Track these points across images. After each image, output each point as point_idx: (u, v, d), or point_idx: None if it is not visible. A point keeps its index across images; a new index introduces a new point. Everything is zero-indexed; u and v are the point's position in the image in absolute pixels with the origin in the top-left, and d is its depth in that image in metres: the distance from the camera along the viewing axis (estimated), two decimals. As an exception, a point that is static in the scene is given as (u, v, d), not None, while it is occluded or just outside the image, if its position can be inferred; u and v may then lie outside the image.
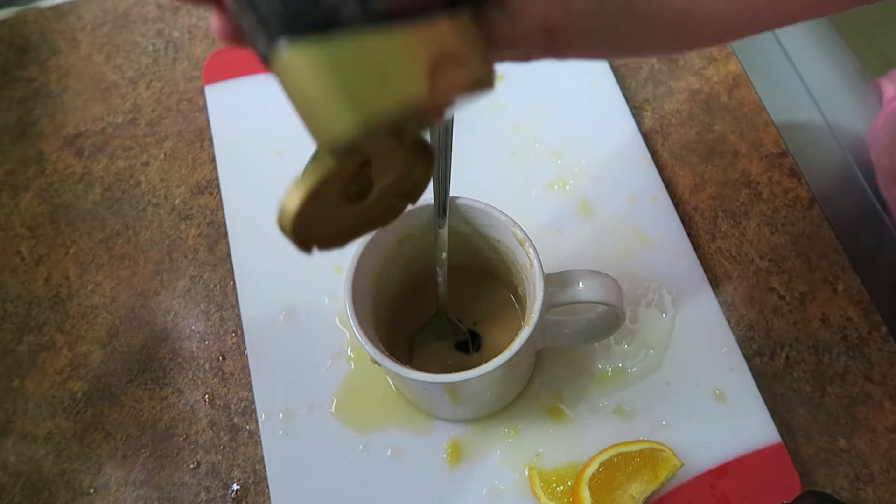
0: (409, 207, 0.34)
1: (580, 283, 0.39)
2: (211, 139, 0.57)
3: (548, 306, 0.39)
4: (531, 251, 0.40)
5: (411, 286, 0.47)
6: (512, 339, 0.38)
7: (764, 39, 0.65)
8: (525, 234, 0.40)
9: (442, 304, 0.44)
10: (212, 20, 0.25)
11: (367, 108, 0.21)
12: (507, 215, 0.40)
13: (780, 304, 0.50)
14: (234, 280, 0.52)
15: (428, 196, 0.40)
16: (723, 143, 0.56)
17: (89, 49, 0.61)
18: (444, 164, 0.37)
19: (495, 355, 0.37)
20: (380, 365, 0.38)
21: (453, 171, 0.39)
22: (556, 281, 0.40)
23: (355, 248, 0.40)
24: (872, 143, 0.58)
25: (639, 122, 0.56)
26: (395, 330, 0.47)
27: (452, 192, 0.40)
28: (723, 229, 0.53)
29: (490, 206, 0.40)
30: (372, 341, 0.38)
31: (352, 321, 0.38)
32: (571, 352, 0.48)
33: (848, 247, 0.52)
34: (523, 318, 0.47)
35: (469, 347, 0.47)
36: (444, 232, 0.40)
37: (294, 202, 0.26)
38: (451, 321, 0.46)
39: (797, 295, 0.50)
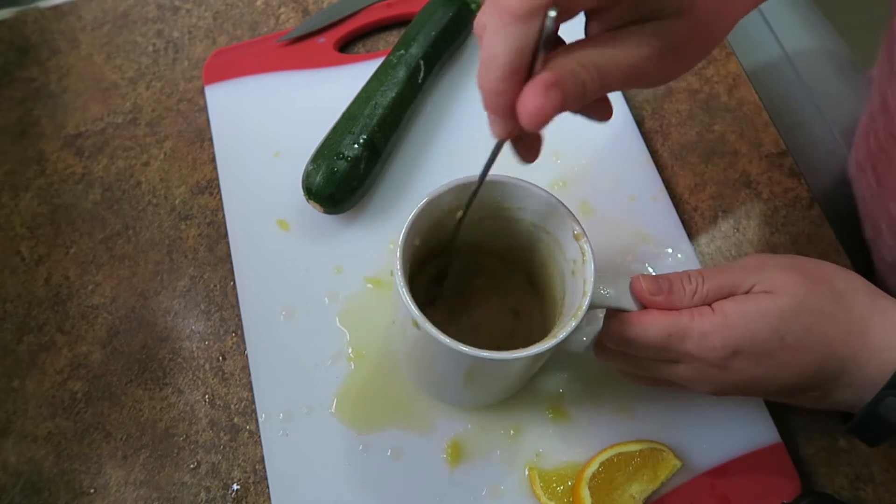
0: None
1: (616, 288, 0.40)
2: (211, 139, 0.57)
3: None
4: (586, 246, 0.40)
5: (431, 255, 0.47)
6: (530, 328, 0.38)
7: (764, 39, 0.65)
8: (583, 229, 0.40)
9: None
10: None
11: None
12: (566, 207, 0.40)
13: (780, 304, 0.50)
14: (234, 280, 0.52)
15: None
16: (723, 143, 0.56)
17: (89, 49, 0.61)
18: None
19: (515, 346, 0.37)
20: (420, 329, 0.38)
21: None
22: (601, 282, 0.40)
23: (414, 209, 0.40)
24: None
25: (639, 122, 0.56)
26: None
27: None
28: (723, 229, 0.53)
29: (552, 196, 0.40)
30: (414, 304, 0.38)
31: (397, 278, 0.38)
32: (573, 352, 0.48)
33: (848, 247, 0.52)
34: (540, 310, 0.47)
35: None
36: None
37: None
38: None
39: (797, 295, 0.50)
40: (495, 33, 0.29)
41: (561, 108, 0.29)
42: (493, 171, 0.38)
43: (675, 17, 0.31)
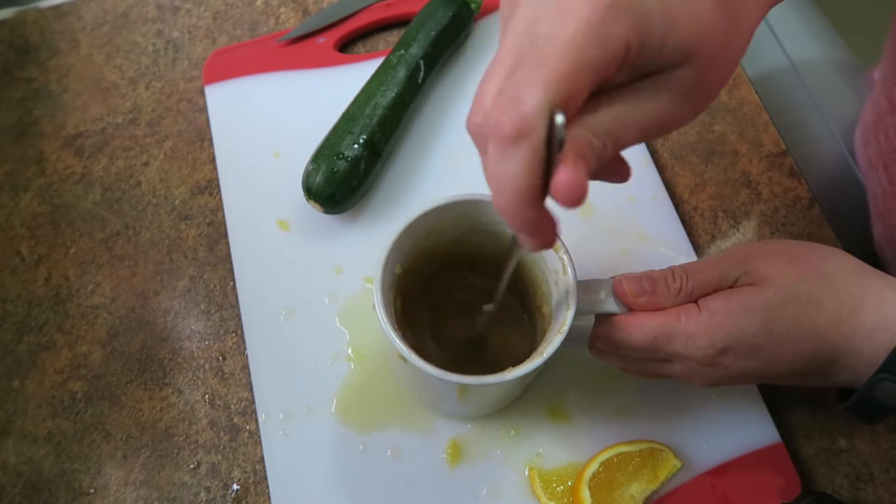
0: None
1: (601, 293, 0.40)
2: (211, 139, 0.57)
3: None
4: (566, 257, 0.39)
5: (424, 277, 0.47)
6: (516, 342, 0.38)
7: (764, 39, 0.65)
8: (560, 240, 0.39)
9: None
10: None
11: None
12: None
13: (780, 304, 0.50)
14: (234, 280, 0.52)
15: (457, 193, 0.41)
16: (723, 143, 0.56)
17: (89, 49, 0.61)
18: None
19: (502, 358, 0.37)
20: (406, 361, 0.37)
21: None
22: (585, 289, 0.40)
23: (388, 239, 0.40)
24: (858, 133, 0.58)
25: (639, 122, 0.56)
26: (405, 319, 0.47)
27: (459, 192, 0.41)
28: (723, 229, 0.53)
29: None
30: (399, 338, 0.38)
31: (379, 313, 0.38)
32: (572, 351, 0.48)
33: (848, 247, 0.52)
34: (531, 321, 0.47)
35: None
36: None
37: None
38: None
39: (797, 295, 0.50)
40: (498, 158, 0.28)
41: (588, 177, 0.28)
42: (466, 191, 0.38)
43: (680, 67, 0.29)
